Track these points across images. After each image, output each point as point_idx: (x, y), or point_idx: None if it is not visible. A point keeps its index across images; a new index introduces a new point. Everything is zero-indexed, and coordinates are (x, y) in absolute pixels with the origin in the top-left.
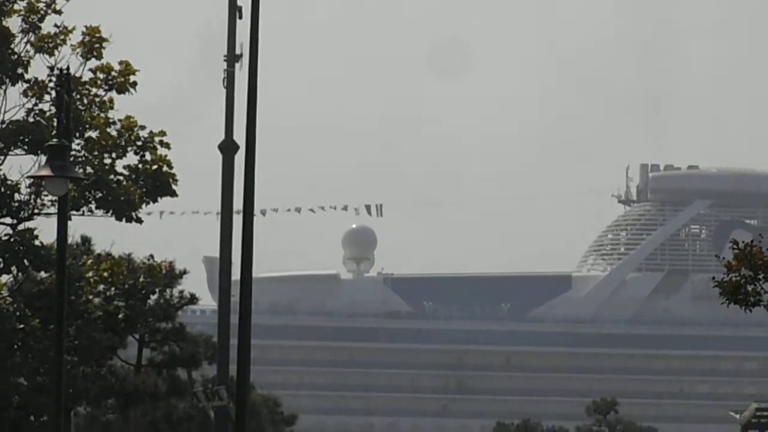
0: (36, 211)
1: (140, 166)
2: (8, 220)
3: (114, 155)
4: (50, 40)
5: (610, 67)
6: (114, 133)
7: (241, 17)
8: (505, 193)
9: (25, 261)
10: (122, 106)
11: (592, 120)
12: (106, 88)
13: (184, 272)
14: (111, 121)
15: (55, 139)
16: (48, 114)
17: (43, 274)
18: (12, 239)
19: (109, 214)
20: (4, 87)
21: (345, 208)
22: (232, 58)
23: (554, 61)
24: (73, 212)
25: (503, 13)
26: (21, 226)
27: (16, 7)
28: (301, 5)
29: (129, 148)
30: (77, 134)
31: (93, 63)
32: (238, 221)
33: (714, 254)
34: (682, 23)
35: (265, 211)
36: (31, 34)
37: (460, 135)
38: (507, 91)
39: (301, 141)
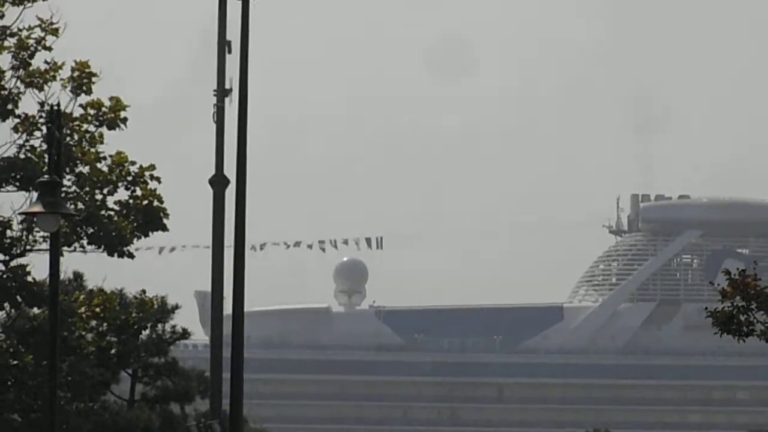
0: (28, 247)
1: (131, 201)
2: (0, 256)
3: (105, 191)
4: (40, 76)
5: (600, 95)
6: (105, 168)
7: (230, 52)
8: (497, 224)
9: (18, 297)
10: (113, 140)
11: (582, 150)
12: (97, 124)
13: (176, 307)
14: (101, 155)
15: (46, 176)
16: (39, 150)
17: (35, 310)
18: (4, 276)
19: (100, 250)
20: None
21: (345, 242)
22: (221, 92)
23: (544, 90)
24: (65, 248)
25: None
26: (13, 263)
27: (6, 43)
28: (291, 34)
29: (120, 183)
30: (68, 170)
31: (83, 99)
32: (229, 255)
33: (706, 284)
34: (675, 47)
35: (264, 245)
36: (21, 70)
37: (444, 166)
38: (495, 117)
39: (299, 171)
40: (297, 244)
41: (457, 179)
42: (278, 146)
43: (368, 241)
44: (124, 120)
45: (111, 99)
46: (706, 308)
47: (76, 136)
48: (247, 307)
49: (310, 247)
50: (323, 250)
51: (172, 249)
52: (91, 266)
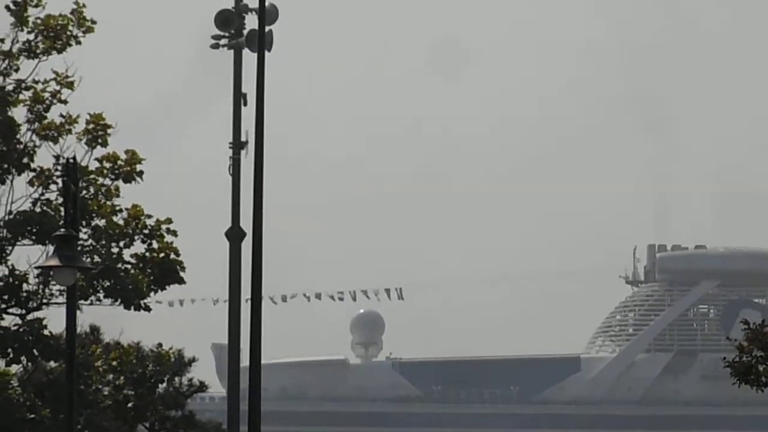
0: (45, 301)
1: (147, 254)
2: (17, 310)
3: (122, 244)
4: (55, 129)
5: (616, 145)
6: (121, 221)
7: (245, 104)
8: (512, 274)
9: (35, 351)
10: (129, 194)
11: (596, 200)
12: (113, 177)
13: (193, 360)
14: (118, 209)
15: (62, 229)
16: (55, 203)
17: (52, 363)
18: (21, 329)
19: (117, 303)
20: (10, 177)
21: (365, 293)
22: (237, 145)
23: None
24: (82, 301)
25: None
26: (30, 316)
27: (21, 97)
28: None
29: (136, 237)
30: (84, 223)
31: (99, 151)
32: (246, 307)
33: (723, 334)
34: (682, 95)
35: (285, 297)
36: (36, 123)
37: (457, 214)
38: (511, 158)
39: (316, 223)
40: (318, 296)
41: (472, 230)
42: (295, 196)
43: (387, 291)
44: (140, 173)
45: (127, 152)
46: (724, 358)
47: (92, 189)
48: (264, 359)
49: (332, 298)
50: (342, 299)
51: (193, 301)
52: (108, 319)
